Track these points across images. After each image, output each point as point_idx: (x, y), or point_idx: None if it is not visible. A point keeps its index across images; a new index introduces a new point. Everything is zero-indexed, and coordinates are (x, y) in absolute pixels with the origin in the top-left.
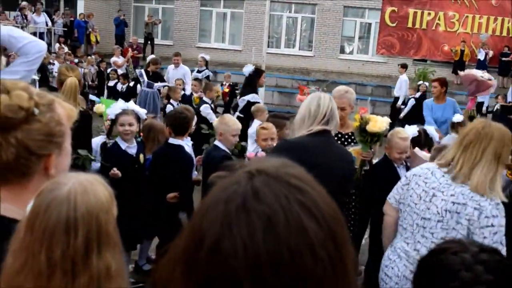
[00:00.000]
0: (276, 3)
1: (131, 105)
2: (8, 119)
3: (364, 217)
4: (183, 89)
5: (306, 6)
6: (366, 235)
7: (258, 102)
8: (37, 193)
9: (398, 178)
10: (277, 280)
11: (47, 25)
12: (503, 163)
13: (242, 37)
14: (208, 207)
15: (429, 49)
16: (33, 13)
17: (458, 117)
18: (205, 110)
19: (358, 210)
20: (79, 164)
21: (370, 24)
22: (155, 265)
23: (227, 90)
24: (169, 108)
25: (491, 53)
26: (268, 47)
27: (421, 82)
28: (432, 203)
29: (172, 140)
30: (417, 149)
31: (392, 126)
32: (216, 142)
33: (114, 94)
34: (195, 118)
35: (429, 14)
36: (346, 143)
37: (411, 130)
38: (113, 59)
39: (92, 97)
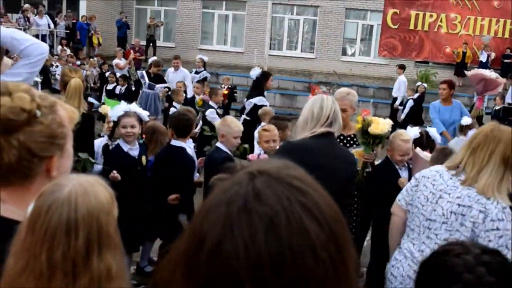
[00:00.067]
0: (278, 5)
1: (134, 107)
2: (10, 121)
3: (366, 219)
4: (184, 92)
5: (308, 8)
6: (368, 237)
7: (265, 105)
8: (38, 195)
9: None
10: (278, 282)
11: (49, 27)
12: None
13: (244, 39)
14: (209, 208)
15: (431, 51)
16: (36, 15)
17: (466, 120)
18: (211, 114)
19: (360, 212)
20: (80, 167)
21: (372, 26)
22: (157, 267)
23: (225, 92)
24: (172, 111)
25: (493, 55)
26: (270, 49)
27: (419, 83)
28: (438, 204)
29: (174, 142)
30: (418, 150)
31: (393, 128)
32: (218, 144)
33: (113, 98)
34: (201, 122)
35: (431, 16)
36: (348, 145)
37: (413, 132)
38: (115, 61)
39: (91, 99)
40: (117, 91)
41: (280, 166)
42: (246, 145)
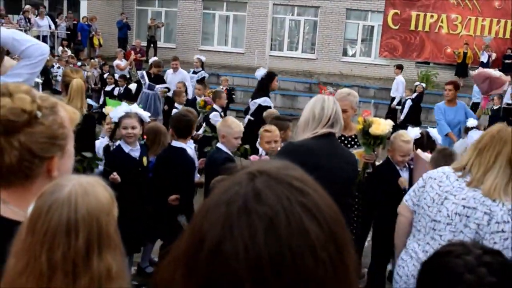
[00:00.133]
0: (278, 6)
1: (135, 108)
2: (11, 122)
3: (367, 219)
4: (185, 92)
5: (309, 9)
6: (369, 238)
7: (270, 106)
8: (39, 195)
9: None
10: (278, 282)
11: (50, 28)
12: None
13: (245, 40)
14: (209, 208)
15: (432, 52)
16: (37, 16)
17: (472, 122)
18: (215, 118)
19: (361, 213)
20: (85, 166)
21: (372, 26)
22: (157, 268)
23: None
24: (174, 112)
25: (494, 55)
26: (270, 50)
27: (417, 83)
28: (444, 206)
29: (175, 143)
30: (419, 151)
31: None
32: (219, 145)
33: (112, 99)
34: (205, 124)
35: (432, 16)
36: (349, 145)
37: (414, 132)
38: (116, 62)
39: (89, 101)
40: (115, 93)
41: (280, 167)
42: (247, 146)
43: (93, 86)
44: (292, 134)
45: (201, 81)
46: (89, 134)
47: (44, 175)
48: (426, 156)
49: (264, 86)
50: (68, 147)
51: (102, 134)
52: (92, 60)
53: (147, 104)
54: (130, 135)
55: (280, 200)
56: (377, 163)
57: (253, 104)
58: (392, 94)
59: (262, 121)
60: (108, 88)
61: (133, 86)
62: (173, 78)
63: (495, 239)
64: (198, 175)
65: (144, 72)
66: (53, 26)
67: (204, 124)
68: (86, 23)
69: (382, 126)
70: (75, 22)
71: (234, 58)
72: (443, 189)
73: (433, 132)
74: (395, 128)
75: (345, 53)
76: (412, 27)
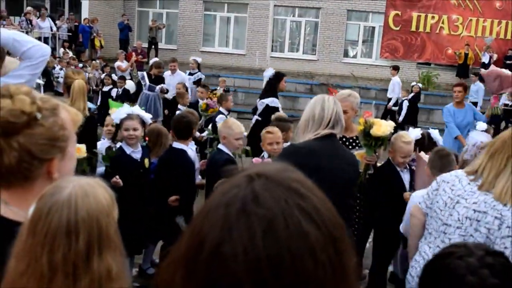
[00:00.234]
0: (279, 7)
1: (136, 109)
2: (11, 124)
3: (368, 220)
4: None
5: (310, 10)
6: (370, 239)
7: (277, 107)
8: (39, 197)
9: (401, 181)
10: (277, 283)
11: (51, 30)
12: None
13: (246, 41)
14: (209, 210)
15: (433, 53)
16: (38, 18)
17: (481, 125)
18: (220, 120)
19: (362, 214)
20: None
21: (373, 27)
22: (158, 269)
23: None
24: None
25: (495, 56)
26: (272, 51)
27: (414, 83)
28: (455, 209)
29: (175, 144)
30: (422, 153)
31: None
32: (220, 146)
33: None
34: (210, 127)
35: (432, 17)
36: (350, 147)
37: (415, 133)
38: (117, 63)
39: (89, 104)
40: (113, 93)
41: (279, 169)
42: (248, 147)
43: (94, 87)
44: (293, 135)
45: (197, 82)
46: (91, 135)
47: (44, 177)
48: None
49: (272, 87)
50: (69, 149)
51: (102, 136)
52: (94, 62)
53: (147, 106)
54: (131, 137)
55: (278, 203)
56: (378, 164)
57: (261, 104)
58: (388, 95)
59: (269, 122)
60: (105, 88)
61: (130, 87)
62: (171, 79)
63: (505, 243)
64: (200, 177)
65: (145, 73)
66: (54, 28)
67: (209, 126)
68: (88, 24)
69: (383, 127)
70: (76, 23)
71: (235, 60)
72: (455, 193)
73: (434, 133)
74: (394, 129)
75: (346, 54)
76: (413, 28)
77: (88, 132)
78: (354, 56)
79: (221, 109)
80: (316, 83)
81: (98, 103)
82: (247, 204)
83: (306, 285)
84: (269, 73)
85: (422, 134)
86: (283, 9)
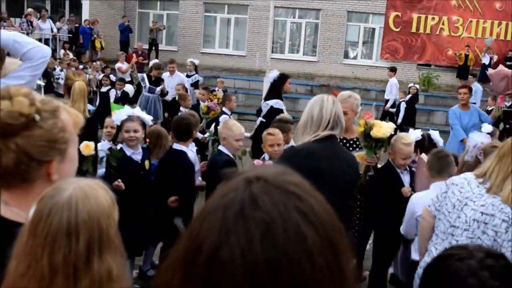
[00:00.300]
0: (280, 9)
1: (137, 111)
2: (9, 125)
3: (368, 222)
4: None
5: (310, 11)
6: (370, 240)
7: (281, 109)
8: (39, 199)
9: (401, 183)
10: (275, 287)
11: (52, 31)
12: None
13: (246, 43)
14: (207, 213)
15: (433, 54)
16: (38, 19)
17: (487, 127)
18: (224, 121)
19: (363, 215)
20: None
21: (374, 29)
22: (157, 271)
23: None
24: None
25: (495, 57)
26: (272, 52)
27: (411, 84)
28: (463, 211)
29: (175, 146)
30: (423, 155)
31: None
32: (220, 147)
33: (107, 101)
34: (212, 128)
35: (433, 18)
36: (351, 148)
37: (415, 134)
38: (118, 65)
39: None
40: (111, 94)
41: (277, 172)
42: (248, 149)
43: (95, 89)
44: (293, 136)
45: (195, 85)
46: (92, 137)
47: (44, 178)
48: None
49: (277, 88)
50: (69, 151)
51: (102, 138)
52: (94, 63)
53: (147, 108)
54: (132, 139)
55: (276, 206)
56: (378, 166)
57: (265, 105)
58: (386, 97)
59: None
60: (103, 89)
61: (129, 90)
62: (170, 81)
63: None
64: (200, 178)
65: (145, 75)
66: (55, 29)
67: (211, 128)
68: (88, 26)
69: (383, 129)
70: (77, 25)
71: (235, 61)
72: (463, 195)
73: (435, 135)
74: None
75: (346, 56)
76: (414, 29)
77: (88, 134)
78: (355, 58)
79: (224, 109)
80: (317, 84)
81: (97, 104)
82: (245, 207)
83: None
84: (273, 74)
85: (422, 136)
86: (283, 11)
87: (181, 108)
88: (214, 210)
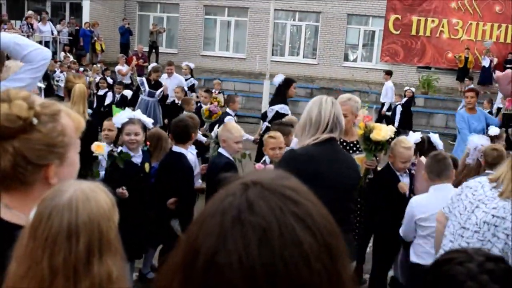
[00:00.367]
0: (280, 11)
1: (138, 114)
2: (6, 128)
3: (368, 225)
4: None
5: (310, 14)
6: (370, 243)
7: (287, 114)
8: (40, 201)
9: None
10: None
11: (52, 34)
12: None
13: (246, 45)
14: (204, 218)
15: (433, 57)
16: (39, 22)
17: (494, 130)
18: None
19: (363, 218)
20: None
21: (374, 31)
22: (156, 274)
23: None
24: None
25: (495, 60)
26: (272, 55)
27: (407, 87)
28: (474, 213)
29: (175, 148)
30: (423, 158)
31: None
32: (220, 150)
33: (103, 104)
34: (216, 130)
35: (433, 21)
36: (351, 151)
37: (414, 137)
38: (118, 67)
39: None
40: (108, 97)
41: (274, 177)
42: (247, 151)
43: (95, 91)
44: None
45: (191, 88)
46: (92, 139)
47: (42, 182)
48: None
49: (282, 93)
50: (68, 155)
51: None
52: (94, 66)
53: (146, 112)
54: (132, 142)
55: (273, 211)
56: (378, 169)
57: (271, 110)
58: (381, 100)
59: None
60: (100, 92)
61: (128, 93)
62: (168, 83)
63: None
64: (200, 181)
65: (144, 79)
66: (55, 32)
67: (215, 129)
68: (88, 28)
69: (383, 132)
70: (77, 27)
71: (235, 64)
72: (476, 198)
73: (434, 137)
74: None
75: (346, 58)
76: (413, 32)
77: (89, 137)
78: (354, 60)
79: (228, 110)
80: (317, 87)
81: (94, 107)
82: (242, 212)
83: None
84: (278, 79)
85: (422, 138)
86: (283, 13)
87: (184, 112)
88: (212, 214)
